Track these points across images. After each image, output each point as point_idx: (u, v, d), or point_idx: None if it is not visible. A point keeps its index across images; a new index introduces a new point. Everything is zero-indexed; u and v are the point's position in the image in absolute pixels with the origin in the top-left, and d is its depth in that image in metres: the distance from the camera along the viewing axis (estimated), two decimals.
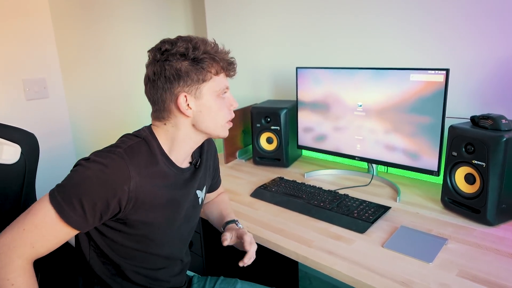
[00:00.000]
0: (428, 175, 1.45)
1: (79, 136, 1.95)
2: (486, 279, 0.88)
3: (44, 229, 0.78)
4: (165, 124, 0.92)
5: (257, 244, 1.15)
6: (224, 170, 1.71)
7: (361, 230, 1.12)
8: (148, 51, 0.91)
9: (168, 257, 1.02)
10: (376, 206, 1.24)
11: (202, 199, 1.09)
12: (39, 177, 1.69)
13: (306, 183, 1.45)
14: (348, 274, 0.92)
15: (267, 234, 1.13)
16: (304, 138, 1.66)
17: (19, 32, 1.57)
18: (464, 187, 1.17)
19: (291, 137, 1.70)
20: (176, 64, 0.86)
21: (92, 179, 0.79)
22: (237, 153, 1.85)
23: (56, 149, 1.78)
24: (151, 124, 0.96)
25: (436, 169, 1.28)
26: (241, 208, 1.32)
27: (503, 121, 1.08)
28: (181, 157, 0.96)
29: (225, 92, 0.94)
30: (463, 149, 1.14)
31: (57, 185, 0.81)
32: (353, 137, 1.48)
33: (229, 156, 1.81)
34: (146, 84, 0.92)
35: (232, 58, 0.95)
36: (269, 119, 1.66)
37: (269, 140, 1.70)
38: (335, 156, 1.76)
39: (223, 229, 1.11)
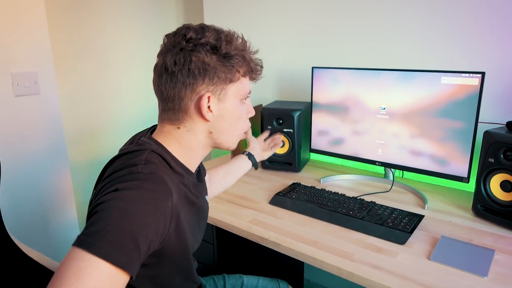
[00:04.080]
0: (452, 181, 1.42)
1: (72, 136, 1.78)
2: None
3: None
4: (178, 128, 0.78)
5: (271, 253, 1.06)
6: None
7: (401, 241, 1.05)
8: (166, 36, 0.77)
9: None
10: (409, 214, 1.18)
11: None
12: (27, 183, 1.52)
13: (326, 190, 1.37)
14: None
15: (301, 247, 1.04)
16: (318, 142, 1.59)
17: (9, 20, 1.39)
18: (500, 194, 1.13)
19: (304, 140, 1.62)
20: (204, 57, 0.73)
21: (135, 206, 0.62)
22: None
23: (47, 150, 1.61)
24: (151, 131, 0.82)
25: (466, 176, 1.24)
26: (263, 217, 1.22)
27: None
28: (194, 166, 0.82)
29: (246, 98, 0.84)
30: (502, 156, 1.10)
31: (89, 232, 0.59)
32: (374, 141, 1.42)
33: None
34: (160, 75, 0.76)
35: (260, 60, 0.84)
36: (281, 121, 1.57)
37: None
38: (345, 160, 1.70)
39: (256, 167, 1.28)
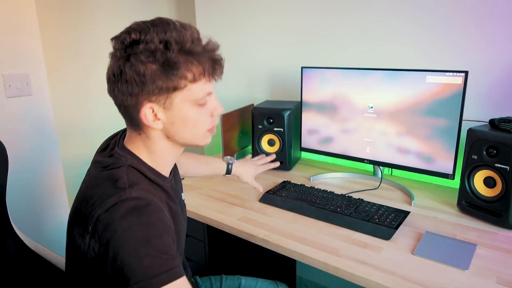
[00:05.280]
0: (438, 178, 1.44)
1: (64, 137, 1.79)
2: None
3: None
4: (139, 134, 0.77)
5: (262, 251, 1.08)
6: None
7: (386, 236, 1.07)
8: (112, 39, 0.72)
9: None
10: (395, 210, 1.20)
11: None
12: (20, 183, 1.53)
13: (315, 187, 1.40)
14: (388, 286, 0.87)
15: (289, 243, 1.06)
16: (308, 140, 1.61)
17: (0, 23, 1.40)
18: (483, 190, 1.16)
19: (294, 139, 1.64)
20: (139, 67, 0.67)
21: (148, 236, 0.65)
22: (235, 156, 1.76)
23: (40, 151, 1.62)
24: (123, 138, 0.82)
25: (451, 172, 1.27)
26: (252, 214, 1.24)
27: None
28: (168, 169, 0.83)
29: (207, 99, 0.77)
30: (484, 153, 1.13)
31: (136, 281, 0.62)
32: (362, 139, 1.45)
33: None
34: (107, 82, 0.73)
35: (218, 56, 0.76)
36: (271, 120, 1.59)
37: (271, 142, 1.63)
38: (336, 158, 1.72)
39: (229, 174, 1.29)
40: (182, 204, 0.93)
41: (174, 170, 0.92)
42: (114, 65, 0.70)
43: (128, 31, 0.70)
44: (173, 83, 0.70)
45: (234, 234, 1.18)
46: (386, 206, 1.23)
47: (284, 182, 1.47)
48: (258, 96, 1.94)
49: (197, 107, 0.75)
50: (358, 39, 1.57)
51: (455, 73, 1.19)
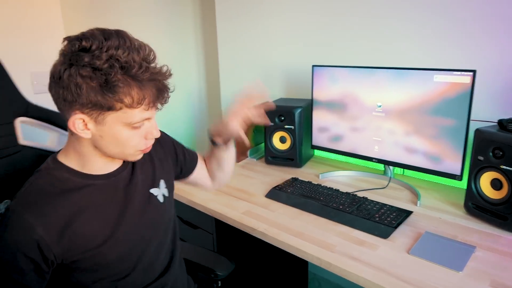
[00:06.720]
0: (448, 179, 1.41)
1: None
2: None
3: None
4: (72, 135, 0.77)
5: (275, 246, 1.11)
6: (236, 169, 1.65)
7: (384, 235, 1.08)
8: (64, 39, 0.70)
9: (144, 283, 0.90)
10: (397, 210, 1.20)
11: (164, 196, 0.94)
12: None
13: (322, 185, 1.41)
14: (376, 282, 0.89)
15: (287, 238, 1.10)
16: (318, 138, 1.62)
17: (28, 24, 1.52)
18: (490, 192, 1.13)
19: (305, 137, 1.66)
20: (78, 79, 0.66)
21: (1, 250, 0.73)
22: (248, 152, 1.81)
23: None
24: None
25: (459, 173, 1.24)
26: (256, 209, 1.28)
27: None
28: (99, 166, 0.81)
29: (143, 123, 0.75)
30: (491, 154, 1.10)
31: None
32: (371, 138, 1.44)
33: (240, 155, 1.77)
34: (50, 77, 0.71)
35: (164, 85, 0.74)
36: (283, 118, 1.62)
37: (283, 140, 1.66)
38: (348, 157, 1.72)
39: (215, 144, 1.03)
40: (143, 198, 0.89)
41: (138, 166, 0.90)
42: (56, 68, 0.69)
43: (81, 37, 0.68)
44: (108, 103, 0.69)
45: (237, 227, 1.22)
46: (389, 205, 1.23)
47: (292, 178, 1.50)
48: (273, 93, 1.97)
49: (130, 129, 0.74)
50: (367, 39, 1.56)
51: (463, 72, 1.17)
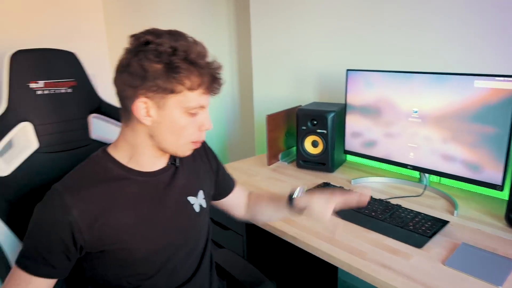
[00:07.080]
0: (488, 189, 1.36)
1: None
2: None
3: None
4: (127, 126, 0.82)
5: (305, 251, 1.11)
6: (267, 172, 1.68)
7: (418, 244, 1.05)
8: (130, 36, 0.78)
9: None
10: (432, 219, 1.17)
11: (201, 206, 0.95)
12: None
13: (354, 191, 1.39)
14: None
15: (317, 243, 1.09)
16: (351, 143, 1.60)
17: (71, 27, 1.60)
18: None
19: (338, 141, 1.65)
20: (145, 63, 0.74)
21: (36, 224, 0.77)
22: (279, 155, 1.81)
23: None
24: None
25: (500, 183, 1.19)
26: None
27: None
28: (145, 162, 0.85)
29: (199, 111, 0.81)
30: None
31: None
32: (406, 144, 1.41)
33: (272, 158, 1.78)
34: (115, 71, 0.80)
35: (218, 74, 0.81)
36: (315, 122, 1.61)
37: (315, 144, 1.65)
38: (382, 163, 1.69)
39: (291, 204, 0.98)
40: (179, 203, 0.91)
41: (181, 171, 0.93)
42: (124, 58, 0.77)
43: (146, 32, 0.77)
44: (171, 86, 0.75)
45: (267, 230, 1.23)
46: (424, 214, 1.20)
47: (323, 183, 1.49)
48: (306, 97, 1.97)
49: (187, 116, 0.79)
50: (402, 42, 1.53)
51: (506, 78, 1.12)
